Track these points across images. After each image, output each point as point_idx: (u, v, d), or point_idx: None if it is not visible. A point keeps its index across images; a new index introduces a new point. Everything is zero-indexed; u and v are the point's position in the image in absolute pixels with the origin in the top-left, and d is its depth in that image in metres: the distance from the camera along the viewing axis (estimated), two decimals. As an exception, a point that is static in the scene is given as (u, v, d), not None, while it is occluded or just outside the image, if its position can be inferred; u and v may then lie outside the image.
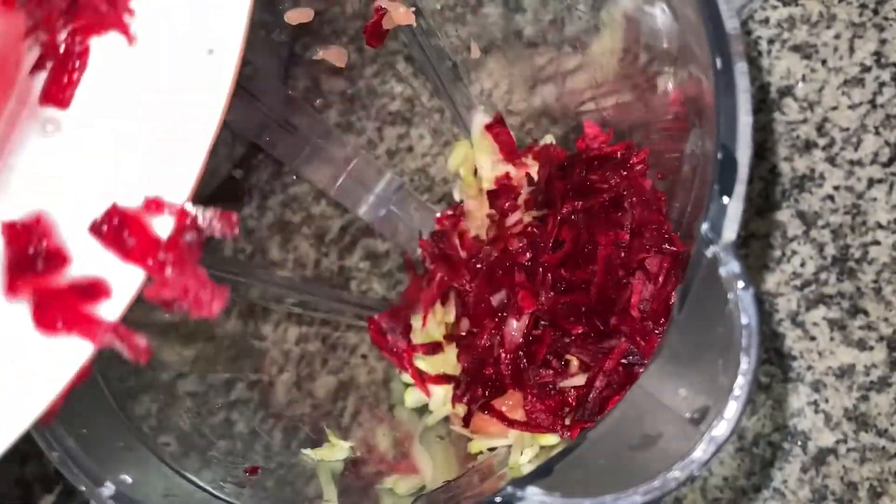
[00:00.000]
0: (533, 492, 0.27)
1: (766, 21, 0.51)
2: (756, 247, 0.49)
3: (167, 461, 0.37)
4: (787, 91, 0.50)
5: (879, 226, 0.48)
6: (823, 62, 0.50)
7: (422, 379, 0.49)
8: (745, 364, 0.27)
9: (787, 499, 0.46)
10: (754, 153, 0.30)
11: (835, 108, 0.49)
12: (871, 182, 0.48)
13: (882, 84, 0.49)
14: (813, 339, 0.47)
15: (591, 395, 0.42)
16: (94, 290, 0.27)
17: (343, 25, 0.52)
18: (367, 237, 0.54)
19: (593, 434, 0.28)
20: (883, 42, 0.49)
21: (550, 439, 0.43)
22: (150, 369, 0.45)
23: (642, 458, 0.28)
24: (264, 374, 0.49)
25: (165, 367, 0.46)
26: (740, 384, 0.27)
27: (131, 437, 0.37)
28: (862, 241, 0.48)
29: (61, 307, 0.27)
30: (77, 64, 0.28)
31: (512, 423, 0.44)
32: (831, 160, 0.49)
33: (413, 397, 0.49)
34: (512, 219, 0.48)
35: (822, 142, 0.49)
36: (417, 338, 0.49)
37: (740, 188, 0.28)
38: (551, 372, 0.44)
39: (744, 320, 0.27)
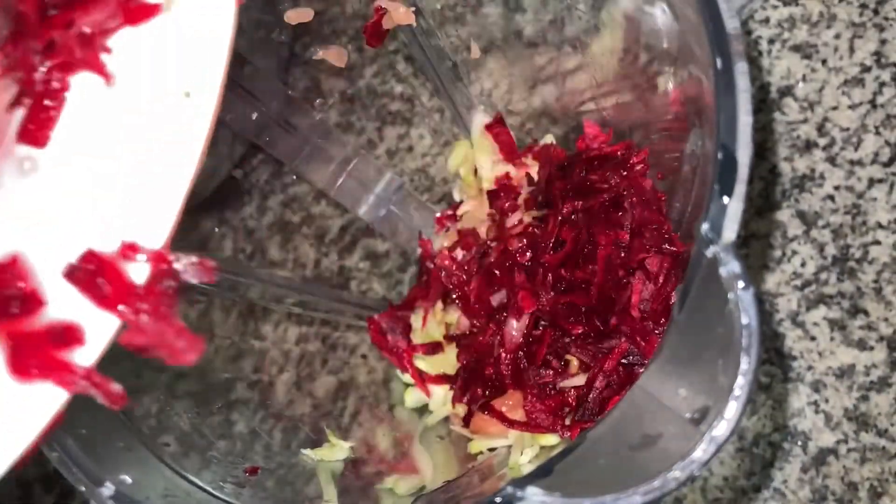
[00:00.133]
0: (533, 492, 0.27)
1: (766, 21, 0.51)
2: (756, 247, 0.49)
3: (167, 461, 0.37)
4: (787, 91, 0.50)
5: (880, 226, 0.48)
6: (823, 62, 0.50)
7: (422, 379, 0.49)
8: (746, 364, 0.27)
9: (787, 499, 0.46)
10: (754, 153, 0.30)
11: (835, 108, 0.49)
12: (872, 182, 0.48)
13: (882, 84, 0.49)
14: (813, 339, 0.47)
15: (591, 395, 0.42)
16: (69, 335, 0.27)
17: (343, 25, 0.52)
18: (367, 237, 0.54)
19: (593, 434, 0.28)
20: (883, 42, 0.49)
21: (550, 439, 0.43)
22: (150, 369, 0.45)
23: (642, 458, 0.28)
24: (264, 374, 0.49)
25: (165, 368, 0.46)
26: (740, 384, 0.27)
27: (131, 437, 0.37)
28: (862, 241, 0.48)
29: (36, 353, 0.27)
30: (55, 103, 0.28)
31: (512, 423, 0.44)
32: (831, 160, 0.49)
33: (413, 397, 0.49)
34: (512, 219, 0.48)
35: (822, 142, 0.49)
36: (417, 338, 0.49)
37: (740, 188, 0.28)
38: (551, 372, 0.44)
39: (744, 320, 0.27)
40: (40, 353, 0.27)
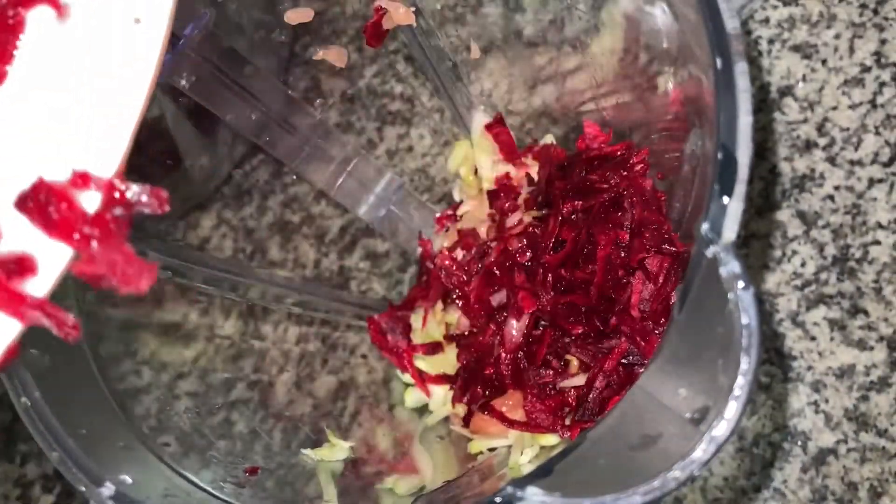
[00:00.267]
0: (533, 492, 0.27)
1: (766, 21, 0.51)
2: (756, 247, 0.49)
3: (167, 461, 0.37)
4: (787, 91, 0.50)
5: (880, 226, 0.48)
6: (823, 62, 0.50)
7: (422, 379, 0.49)
8: (746, 364, 0.27)
9: (787, 499, 0.46)
10: (754, 153, 0.30)
11: (835, 108, 0.49)
12: (872, 182, 0.48)
13: (882, 84, 0.49)
14: (813, 339, 0.47)
15: (591, 395, 0.42)
16: (21, 266, 0.27)
17: (343, 25, 0.52)
18: (367, 237, 0.54)
19: (593, 434, 0.28)
20: (883, 42, 0.49)
21: (550, 439, 0.43)
22: (151, 369, 0.45)
23: (642, 458, 0.28)
24: (264, 374, 0.49)
25: (165, 367, 0.46)
26: (740, 384, 0.27)
27: (131, 437, 0.37)
28: (862, 241, 0.48)
29: None
30: (11, 38, 0.28)
31: (512, 423, 0.44)
32: (831, 160, 0.49)
33: (413, 397, 0.49)
34: (512, 219, 0.48)
35: (822, 142, 0.49)
36: (417, 338, 0.50)
37: (740, 188, 0.28)
38: (551, 372, 0.44)
39: (744, 320, 0.27)
40: (-8, 284, 0.27)
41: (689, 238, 0.41)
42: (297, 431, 0.47)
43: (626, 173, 0.44)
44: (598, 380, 0.42)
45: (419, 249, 0.52)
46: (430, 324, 0.49)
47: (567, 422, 0.43)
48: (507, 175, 0.50)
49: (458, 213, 0.51)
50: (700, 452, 0.27)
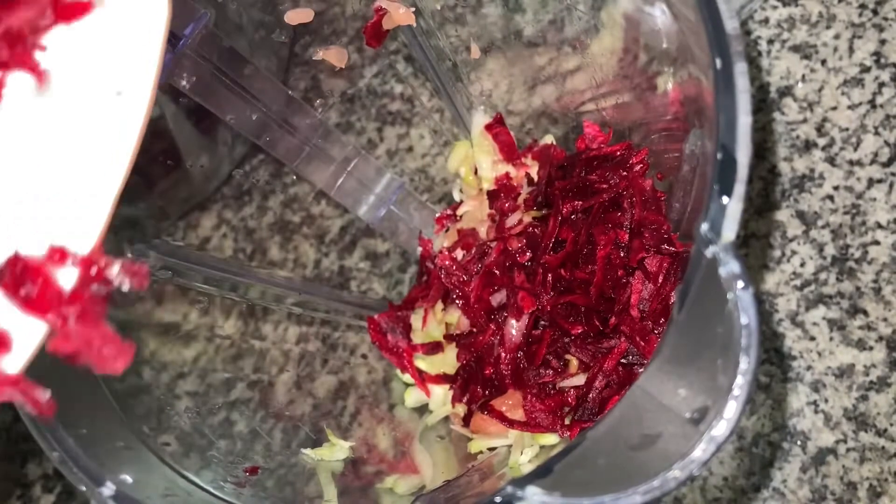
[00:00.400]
0: (533, 491, 0.27)
1: (765, 21, 0.51)
2: (756, 247, 0.49)
3: (167, 461, 0.37)
4: (786, 91, 0.50)
5: (879, 226, 0.48)
6: (823, 62, 0.50)
7: (422, 379, 0.49)
8: (745, 364, 0.27)
9: (786, 498, 0.46)
10: (754, 153, 0.30)
11: (834, 109, 0.49)
12: (871, 182, 0.48)
13: (882, 84, 0.49)
14: (812, 339, 0.47)
15: (590, 395, 0.42)
16: None
17: (343, 25, 0.52)
18: (367, 237, 0.54)
19: (593, 434, 0.28)
20: (882, 42, 0.49)
21: (550, 439, 0.43)
22: (151, 369, 0.45)
23: (642, 458, 0.28)
24: (264, 374, 0.50)
25: (166, 367, 0.46)
26: (740, 384, 0.27)
27: (131, 437, 0.37)
28: (861, 241, 0.48)
29: None
30: None
31: (512, 423, 0.44)
32: (831, 160, 0.49)
33: (413, 397, 0.49)
34: (512, 219, 0.48)
35: (821, 142, 0.49)
36: (417, 338, 0.50)
37: (740, 188, 0.28)
38: (551, 372, 0.44)
39: (743, 320, 0.27)
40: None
41: (688, 238, 0.41)
42: (297, 431, 0.47)
43: (625, 173, 0.44)
44: (597, 379, 0.42)
45: (419, 249, 0.52)
46: (430, 324, 0.49)
47: (567, 421, 0.43)
48: (506, 175, 0.50)
49: (458, 213, 0.52)
50: (699, 452, 0.27)
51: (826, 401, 0.47)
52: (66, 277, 0.27)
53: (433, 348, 0.49)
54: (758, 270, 0.48)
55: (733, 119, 0.28)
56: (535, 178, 0.49)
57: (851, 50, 0.50)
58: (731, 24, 0.29)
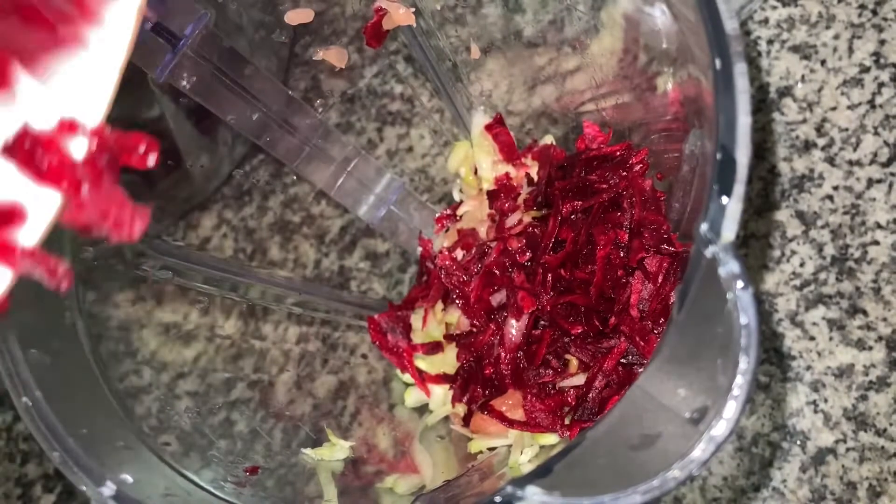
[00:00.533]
0: (533, 491, 0.27)
1: (765, 21, 0.51)
2: (756, 247, 0.49)
3: (168, 461, 0.37)
4: (786, 91, 0.50)
5: (878, 226, 0.48)
6: (822, 62, 0.50)
7: (422, 379, 0.49)
8: (745, 364, 0.27)
9: (786, 498, 0.46)
10: (753, 153, 0.30)
11: (834, 109, 0.49)
12: (871, 182, 0.48)
13: (881, 84, 0.49)
14: (812, 338, 0.48)
15: (590, 395, 0.42)
16: (10, 215, 0.26)
17: (343, 25, 0.52)
18: (367, 237, 0.54)
19: (593, 434, 0.28)
20: (882, 42, 0.49)
21: (550, 439, 0.43)
22: (151, 369, 0.45)
23: (642, 457, 0.28)
24: (264, 374, 0.50)
25: (166, 367, 0.46)
26: (739, 384, 0.27)
27: (132, 436, 0.37)
28: (861, 241, 0.48)
29: None
30: None
31: (512, 423, 0.44)
32: (830, 160, 0.49)
33: (413, 397, 0.49)
34: (512, 219, 0.48)
35: (821, 142, 0.49)
36: (417, 338, 0.50)
37: (739, 188, 0.28)
38: (551, 372, 0.44)
39: (743, 320, 0.27)
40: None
41: (688, 238, 0.41)
42: (297, 431, 0.47)
43: (625, 173, 0.44)
44: (597, 379, 0.42)
45: (419, 249, 0.52)
46: (430, 324, 0.49)
47: (567, 421, 0.43)
48: (506, 175, 0.50)
49: (458, 213, 0.52)
50: (699, 452, 0.27)
51: (826, 401, 0.47)
52: (77, 148, 0.27)
53: (433, 348, 0.49)
54: (757, 270, 0.48)
55: (733, 119, 0.28)
56: (535, 178, 0.49)
57: (851, 50, 0.50)
58: (730, 25, 0.29)
